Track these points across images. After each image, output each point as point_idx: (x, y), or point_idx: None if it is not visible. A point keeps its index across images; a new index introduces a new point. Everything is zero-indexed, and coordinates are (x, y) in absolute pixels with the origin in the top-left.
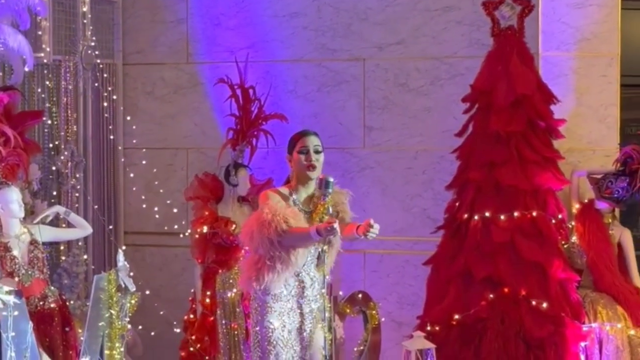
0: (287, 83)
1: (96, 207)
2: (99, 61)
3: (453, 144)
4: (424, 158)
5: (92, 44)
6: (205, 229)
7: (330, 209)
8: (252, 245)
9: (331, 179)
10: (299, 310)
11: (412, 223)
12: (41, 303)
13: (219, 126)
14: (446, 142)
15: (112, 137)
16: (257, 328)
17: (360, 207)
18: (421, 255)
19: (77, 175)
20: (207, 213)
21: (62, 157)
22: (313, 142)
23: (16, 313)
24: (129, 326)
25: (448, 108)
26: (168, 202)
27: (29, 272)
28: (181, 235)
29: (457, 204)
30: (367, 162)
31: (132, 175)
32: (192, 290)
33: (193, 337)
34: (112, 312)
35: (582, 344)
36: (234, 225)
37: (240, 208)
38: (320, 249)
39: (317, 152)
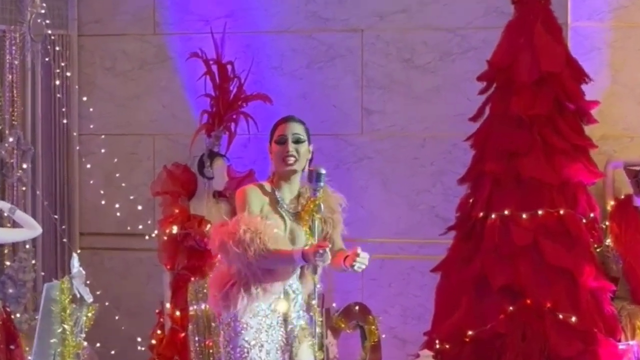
0: (271, 58)
1: (46, 203)
2: (50, 32)
3: (466, 129)
4: (432, 146)
5: (42, 11)
6: (175, 229)
7: (322, 207)
8: (225, 258)
9: (323, 171)
10: (280, 328)
11: (418, 223)
12: None
13: (192, 108)
14: (458, 128)
15: (65, 121)
16: (230, 348)
17: (357, 204)
18: (429, 261)
19: (24, 166)
20: (177, 211)
21: (6, 145)
22: (293, 129)
23: None
24: (85, 343)
25: (460, 88)
26: (131, 197)
27: None
28: (147, 237)
29: (471, 200)
30: (365, 151)
31: (89, 166)
32: (160, 302)
33: (160, 356)
34: (65, 326)
35: None
36: (208, 225)
37: (217, 205)
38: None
39: (297, 141)
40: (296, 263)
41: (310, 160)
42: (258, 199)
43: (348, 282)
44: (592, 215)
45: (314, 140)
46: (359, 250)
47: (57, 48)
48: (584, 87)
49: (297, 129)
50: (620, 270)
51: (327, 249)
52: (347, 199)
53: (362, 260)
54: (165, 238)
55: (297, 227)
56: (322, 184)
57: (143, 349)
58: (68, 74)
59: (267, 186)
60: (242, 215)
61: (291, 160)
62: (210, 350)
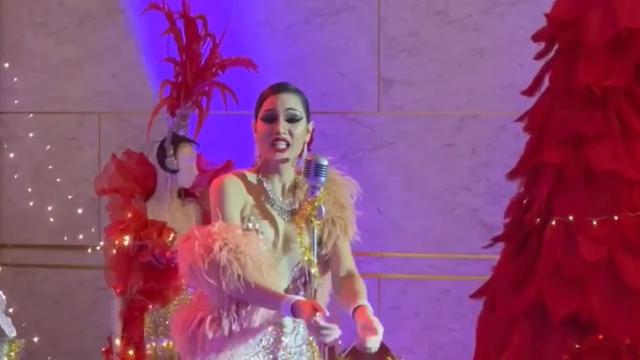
0: (256, 10)
1: None
2: None
3: (519, 106)
4: (473, 129)
5: None
6: (127, 240)
7: (323, 210)
8: (194, 284)
9: (325, 162)
10: None
11: (454, 232)
12: None
13: (150, 78)
14: (508, 104)
15: None
16: None
17: (372, 206)
18: (468, 282)
19: None
20: (130, 215)
21: None
22: (286, 102)
23: None
24: None
25: (511, 50)
26: (69, 197)
27: None
28: (90, 250)
29: (524, 201)
30: (384, 136)
31: (12, 155)
32: (108, 337)
33: None
34: None
35: None
36: (172, 235)
37: (183, 207)
38: (306, 272)
39: (291, 119)
40: (281, 311)
41: (309, 143)
42: (238, 196)
43: None
44: None
45: (313, 119)
46: (375, 323)
47: None
48: None
49: (291, 101)
50: None
51: (320, 320)
52: (359, 198)
53: (372, 343)
54: (115, 252)
55: (292, 231)
56: (323, 179)
57: None
58: None
59: (251, 176)
60: (216, 224)
61: (282, 145)
62: None
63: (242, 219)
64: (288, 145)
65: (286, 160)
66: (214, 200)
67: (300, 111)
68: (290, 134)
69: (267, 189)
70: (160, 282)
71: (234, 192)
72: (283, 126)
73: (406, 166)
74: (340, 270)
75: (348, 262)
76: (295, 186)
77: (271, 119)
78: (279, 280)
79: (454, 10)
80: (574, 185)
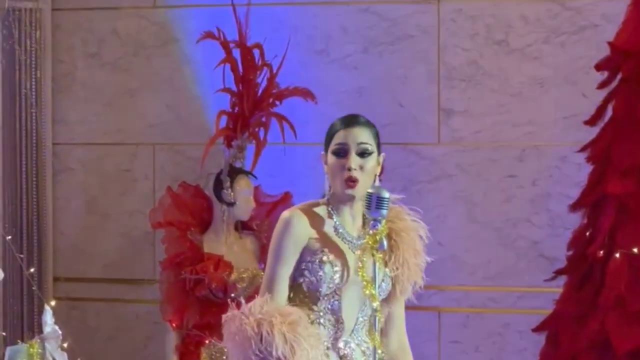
0: (314, 39)
1: (9, 237)
2: (14, 5)
3: (581, 137)
4: (534, 160)
5: None
6: (183, 273)
7: (385, 243)
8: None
9: (386, 194)
10: None
11: (515, 264)
12: None
13: (205, 109)
14: (570, 135)
15: (34, 126)
16: None
17: (432, 239)
18: (529, 316)
19: None
20: (186, 248)
21: None
22: (357, 136)
23: None
24: None
25: (573, 79)
26: (124, 230)
27: None
28: (145, 284)
29: (587, 233)
30: (444, 167)
31: (65, 187)
32: None
33: None
34: None
35: None
36: (228, 268)
37: (240, 240)
38: (372, 307)
39: (363, 153)
40: None
41: (380, 174)
42: (301, 236)
43: (419, 345)
44: None
45: None
46: None
47: (24, 27)
48: None
49: (363, 135)
50: None
51: None
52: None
53: None
54: (171, 285)
55: (357, 262)
56: (384, 211)
57: None
58: (38, 62)
59: (321, 208)
60: (260, 302)
61: (353, 183)
62: None
63: (315, 251)
64: (355, 183)
65: (355, 196)
66: (275, 237)
67: (371, 145)
68: (361, 168)
69: (337, 222)
70: (217, 317)
71: (299, 230)
72: (354, 161)
73: (466, 198)
74: (393, 338)
75: (401, 330)
76: (365, 219)
77: (343, 153)
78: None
79: (514, 39)
80: (638, 216)
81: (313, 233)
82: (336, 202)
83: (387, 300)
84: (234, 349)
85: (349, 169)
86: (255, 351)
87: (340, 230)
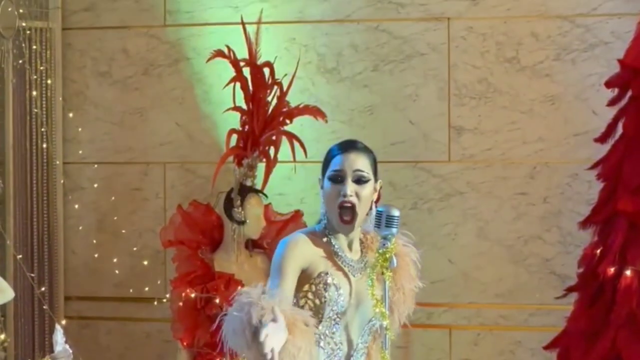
0: (325, 57)
1: (20, 256)
2: (24, 24)
3: (592, 154)
4: (545, 177)
5: None
6: (194, 292)
7: (395, 261)
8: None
9: (396, 213)
10: None
11: (526, 282)
12: None
13: (216, 127)
14: (581, 152)
15: (45, 145)
16: None
17: (443, 257)
18: (541, 334)
19: None
20: (197, 267)
21: None
22: (353, 163)
23: None
24: None
25: (583, 97)
26: (134, 249)
27: None
28: (156, 303)
29: (598, 251)
30: (455, 185)
31: (76, 206)
32: None
33: None
34: None
35: None
36: (239, 287)
37: (250, 259)
38: (378, 321)
39: (358, 180)
40: None
41: (377, 201)
42: (301, 257)
43: None
44: None
45: (383, 169)
46: None
47: (34, 46)
48: None
49: (359, 162)
50: None
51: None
52: (429, 248)
53: None
54: (181, 304)
55: (363, 289)
56: (394, 230)
57: None
58: (49, 81)
59: (320, 235)
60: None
61: (348, 214)
62: None
63: (319, 273)
64: (353, 211)
65: (352, 228)
66: (276, 257)
67: (368, 172)
68: (357, 195)
69: (336, 246)
70: None
71: (299, 252)
72: (350, 188)
73: (477, 216)
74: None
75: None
76: (363, 244)
77: (338, 179)
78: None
79: (525, 56)
80: None
81: (316, 255)
82: (332, 227)
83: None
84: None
85: (345, 196)
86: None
87: (340, 254)
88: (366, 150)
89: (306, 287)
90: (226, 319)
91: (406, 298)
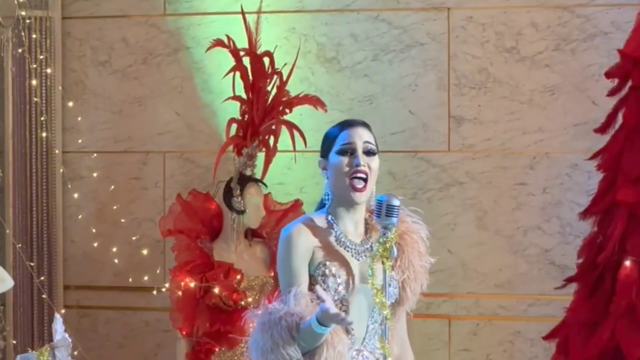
0: (324, 47)
1: (19, 245)
2: (24, 13)
3: (592, 144)
4: (545, 168)
5: None
6: (193, 281)
7: (395, 251)
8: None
9: (396, 202)
10: None
11: (525, 272)
12: None
13: (215, 116)
14: (580, 143)
15: (44, 134)
16: None
17: (442, 247)
18: (540, 324)
19: None
20: (196, 256)
21: None
22: (362, 135)
23: None
24: None
25: (583, 87)
26: (133, 238)
27: None
28: (155, 292)
29: (598, 241)
30: (454, 175)
31: (76, 195)
32: None
33: None
34: None
35: None
36: (238, 276)
37: (250, 248)
38: (381, 313)
39: (368, 152)
40: (315, 333)
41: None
42: (306, 247)
43: (429, 353)
44: None
45: (382, 159)
46: None
47: (34, 35)
48: None
49: (367, 135)
50: None
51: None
52: (429, 238)
53: None
54: (180, 293)
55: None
56: (394, 219)
57: None
58: (48, 70)
59: (320, 219)
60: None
61: (361, 183)
62: None
63: (317, 264)
64: (366, 180)
65: (361, 198)
66: (281, 259)
67: (374, 145)
68: (369, 167)
69: (337, 231)
70: (227, 325)
71: (302, 245)
72: (363, 159)
73: (476, 206)
74: (394, 343)
75: (403, 335)
76: (366, 225)
77: (350, 151)
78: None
79: (525, 46)
80: None
81: (315, 244)
82: (336, 209)
83: (395, 304)
84: (263, 336)
85: (358, 166)
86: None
87: (342, 239)
88: (367, 125)
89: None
90: (257, 340)
91: (417, 275)
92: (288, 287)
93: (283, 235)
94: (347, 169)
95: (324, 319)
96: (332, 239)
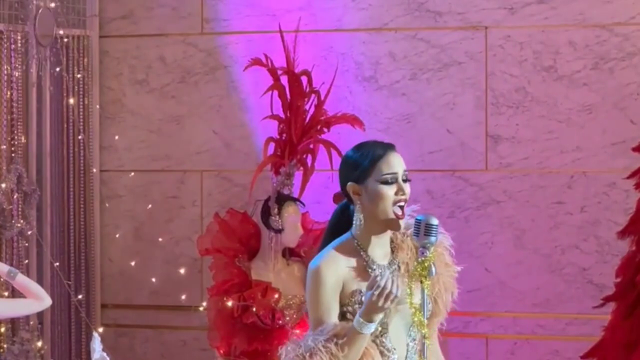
0: (362, 66)
1: (57, 264)
2: (62, 32)
3: (630, 163)
4: (582, 187)
5: (52, 5)
6: (231, 300)
7: (434, 269)
8: None
9: (435, 222)
10: None
11: (563, 291)
12: None
13: (253, 135)
14: (618, 161)
15: (82, 152)
16: None
17: (480, 265)
18: (578, 343)
19: (28, 214)
20: (234, 275)
21: (3, 185)
22: (402, 163)
23: None
24: None
25: (621, 106)
26: (171, 257)
27: None
28: (193, 311)
29: (636, 260)
30: (492, 194)
31: (113, 214)
32: None
33: None
34: None
35: None
36: (276, 295)
37: (288, 267)
38: (420, 331)
39: (405, 180)
40: (363, 334)
41: None
42: (335, 282)
43: None
44: None
45: (420, 177)
46: None
47: (72, 54)
48: None
49: (403, 162)
50: None
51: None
52: (466, 257)
53: None
54: (218, 312)
55: (401, 291)
56: (433, 239)
57: None
58: (86, 89)
59: (348, 247)
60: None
61: (402, 210)
62: None
63: (351, 293)
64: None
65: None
66: (311, 293)
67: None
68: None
69: (364, 256)
70: (265, 344)
71: (331, 277)
72: (406, 188)
73: (514, 224)
74: (433, 356)
75: (437, 345)
76: (393, 244)
77: (394, 181)
78: None
79: (563, 65)
80: None
81: (345, 275)
82: (367, 234)
83: (430, 318)
84: None
85: (404, 195)
86: None
87: (372, 266)
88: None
89: (344, 309)
90: None
91: (446, 286)
92: (319, 322)
93: (311, 268)
94: (393, 197)
95: (370, 309)
96: (361, 264)
